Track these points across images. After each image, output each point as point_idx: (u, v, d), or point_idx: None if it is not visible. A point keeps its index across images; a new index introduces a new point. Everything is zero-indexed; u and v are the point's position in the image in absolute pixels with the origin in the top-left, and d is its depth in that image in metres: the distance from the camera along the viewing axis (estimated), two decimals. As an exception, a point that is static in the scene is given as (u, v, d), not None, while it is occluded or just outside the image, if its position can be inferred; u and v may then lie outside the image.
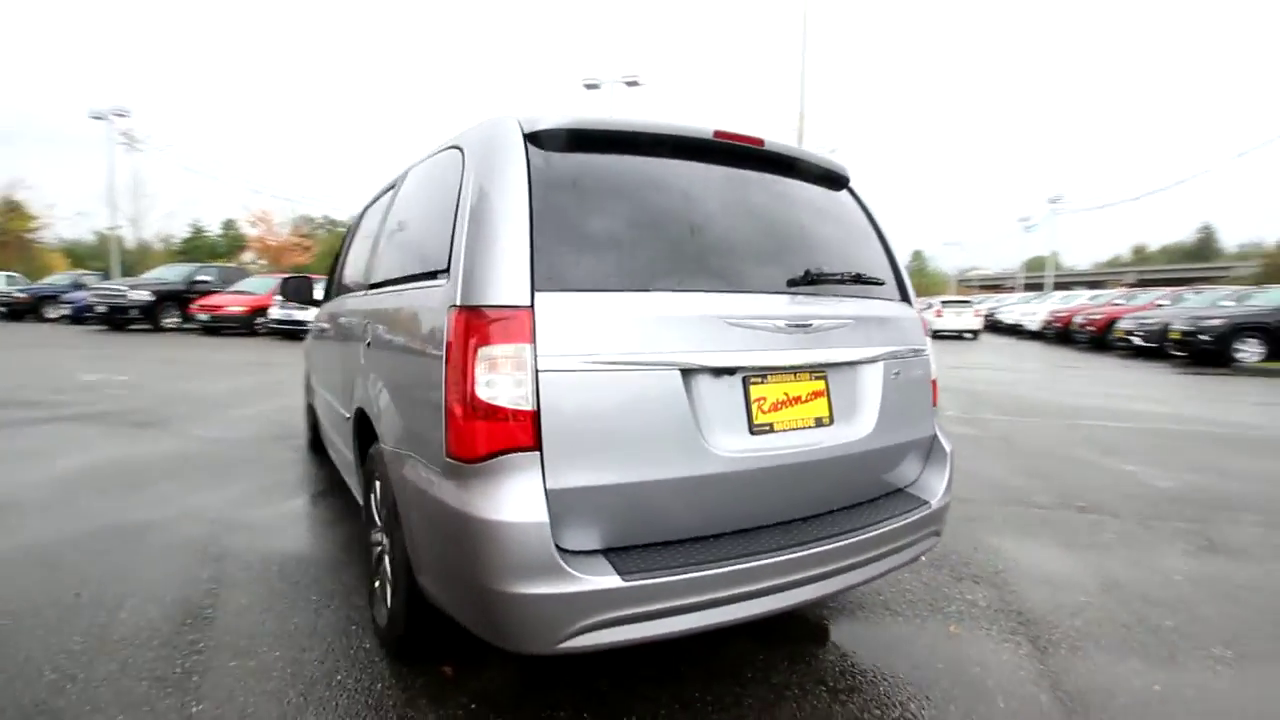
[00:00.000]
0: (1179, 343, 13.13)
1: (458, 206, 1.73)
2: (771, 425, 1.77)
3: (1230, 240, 76.86)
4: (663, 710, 1.86)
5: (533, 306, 1.54)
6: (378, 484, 2.19)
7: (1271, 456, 5.14)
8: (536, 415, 1.50)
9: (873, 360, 2.02)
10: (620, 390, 1.58)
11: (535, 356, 1.51)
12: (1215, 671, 2.12)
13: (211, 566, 2.73)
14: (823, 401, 1.89)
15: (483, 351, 1.51)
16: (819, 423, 1.87)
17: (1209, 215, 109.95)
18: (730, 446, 1.69)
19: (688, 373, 1.66)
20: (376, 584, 2.25)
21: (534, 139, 1.72)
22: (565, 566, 1.46)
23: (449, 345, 1.56)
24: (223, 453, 4.58)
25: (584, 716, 1.83)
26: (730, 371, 1.73)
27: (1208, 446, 5.46)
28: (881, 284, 2.17)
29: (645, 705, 1.88)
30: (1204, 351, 12.64)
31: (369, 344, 2.20)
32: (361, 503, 2.53)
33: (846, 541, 1.77)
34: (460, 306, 1.56)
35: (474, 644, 2.11)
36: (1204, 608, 2.56)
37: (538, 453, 1.50)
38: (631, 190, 1.81)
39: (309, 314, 4.77)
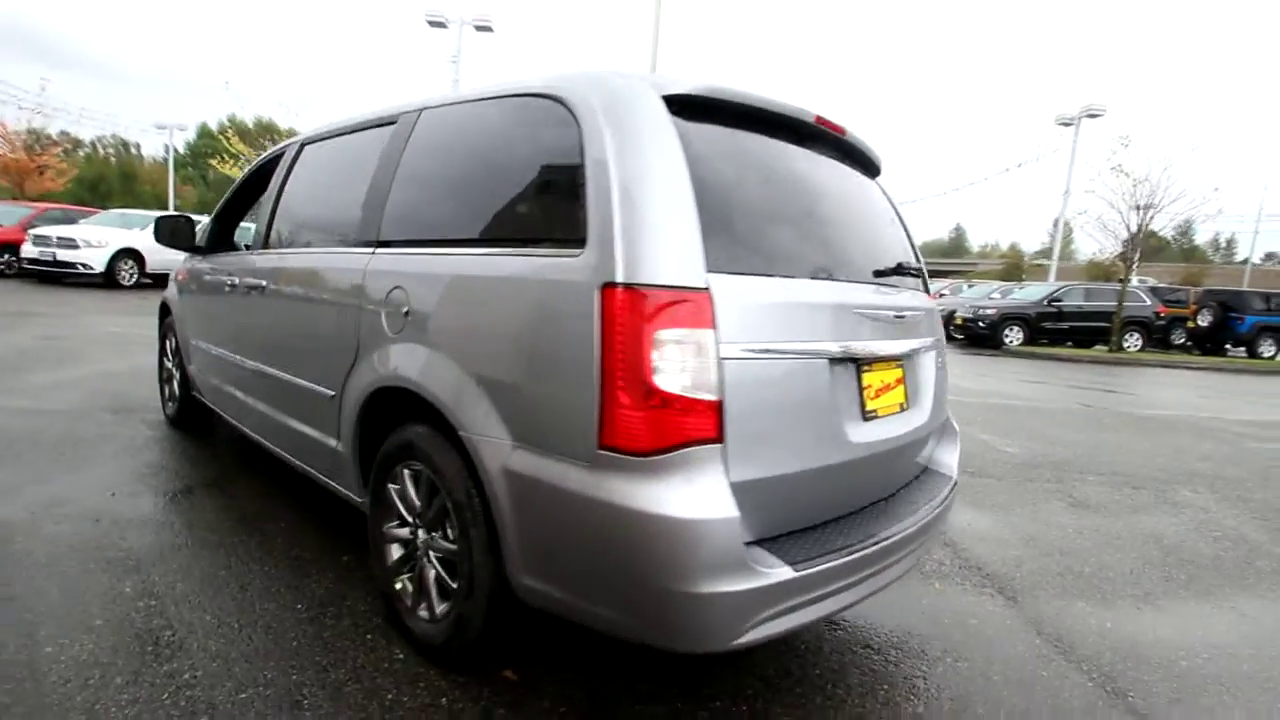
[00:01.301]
0: (960, 328, 15.56)
1: (583, 169, 1.53)
2: (876, 412, 1.83)
3: (975, 240, 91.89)
4: (749, 691, 1.87)
5: (709, 289, 1.42)
6: (407, 474, 1.92)
7: (1075, 426, 6.32)
8: (720, 405, 1.40)
9: (930, 349, 2.16)
10: (779, 379, 1.53)
11: (717, 343, 1.41)
12: (1139, 609, 2.61)
13: (133, 579, 2.20)
14: (902, 389, 1.98)
15: (661, 335, 1.37)
16: (901, 408, 1.96)
17: (961, 217, 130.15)
18: (856, 433, 1.72)
19: (831, 361, 1.65)
20: (401, 586, 1.97)
21: (670, 103, 1.58)
22: (751, 562, 1.40)
23: (610, 327, 1.39)
24: (49, 429, 3.65)
25: (677, 706, 1.79)
26: (851, 360, 1.75)
27: (1025, 417, 6.57)
28: (921, 275, 2.32)
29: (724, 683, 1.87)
30: (980, 336, 15.13)
31: (406, 312, 1.87)
32: (359, 497, 2.19)
33: (931, 516, 1.90)
34: (625, 285, 1.39)
35: (538, 646, 1.96)
36: (1103, 555, 3.11)
37: (721, 445, 1.41)
38: (759, 169, 1.73)
39: (177, 260, 3.91)
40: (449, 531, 1.81)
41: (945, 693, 1.97)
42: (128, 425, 3.91)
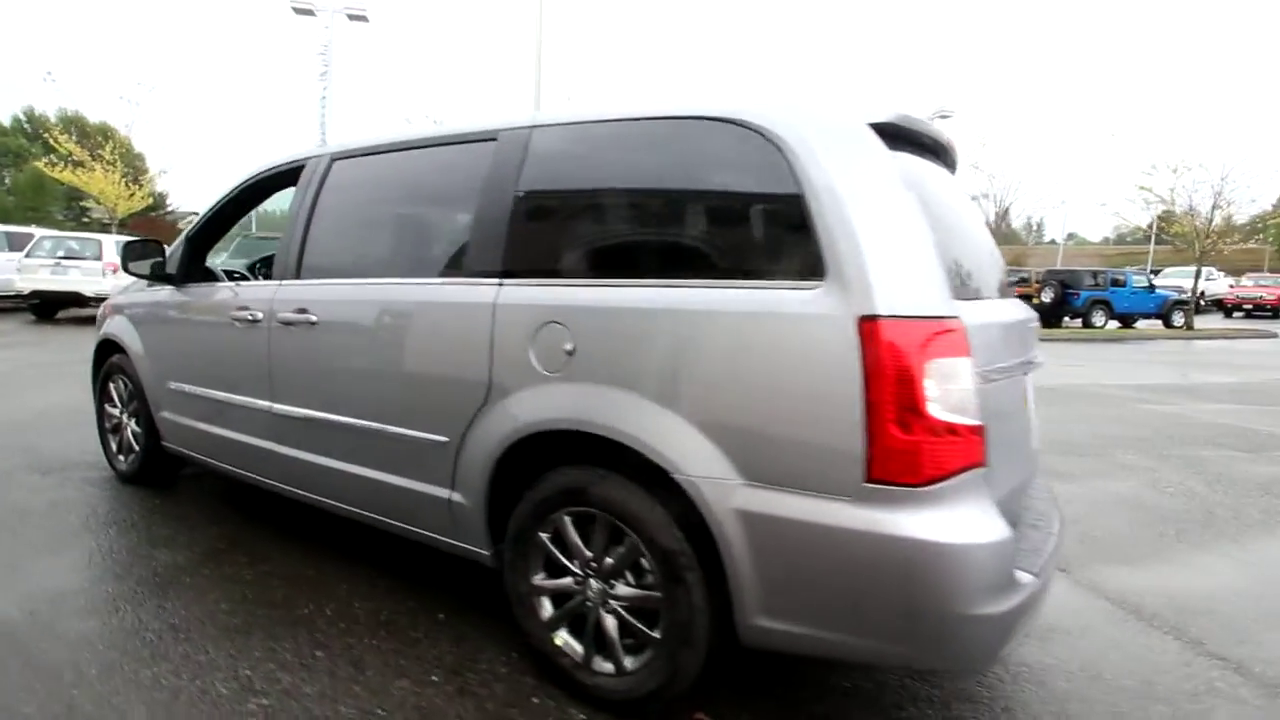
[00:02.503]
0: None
1: (804, 199, 1.51)
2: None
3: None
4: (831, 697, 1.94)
5: (959, 315, 1.45)
6: (569, 521, 1.79)
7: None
8: (983, 430, 1.44)
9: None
10: (1003, 398, 1.60)
11: (973, 368, 1.44)
12: (1160, 566, 2.96)
13: (221, 680, 1.88)
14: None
15: (932, 366, 1.38)
16: None
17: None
18: (1035, 442, 1.82)
19: (1020, 376, 1.73)
20: (562, 641, 1.85)
21: (874, 131, 1.59)
22: (1018, 577, 1.45)
23: (877, 359, 1.38)
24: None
25: (876, 725, 1.81)
26: (1023, 374, 1.85)
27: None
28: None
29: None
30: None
31: (570, 350, 1.73)
32: (483, 550, 2.01)
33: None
34: (892, 316, 1.39)
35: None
36: (1101, 520, 3.49)
37: (985, 469, 1.44)
38: (929, 192, 1.77)
39: (139, 292, 3.33)
40: (642, 579, 1.72)
41: (1074, 664, 2.14)
42: (69, 487, 3.31)
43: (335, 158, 2.50)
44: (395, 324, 2.15)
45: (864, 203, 1.49)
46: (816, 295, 1.47)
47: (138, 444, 3.35)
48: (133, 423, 3.39)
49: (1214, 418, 6.26)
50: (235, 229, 4.47)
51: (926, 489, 1.39)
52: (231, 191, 2.91)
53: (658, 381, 1.63)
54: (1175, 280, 20.96)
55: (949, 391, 1.40)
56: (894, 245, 1.47)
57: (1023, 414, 1.76)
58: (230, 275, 3.20)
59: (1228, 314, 23.85)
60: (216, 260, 3.45)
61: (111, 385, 3.48)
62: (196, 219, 3.06)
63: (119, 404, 3.46)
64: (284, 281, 2.50)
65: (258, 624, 2.16)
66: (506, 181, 1.98)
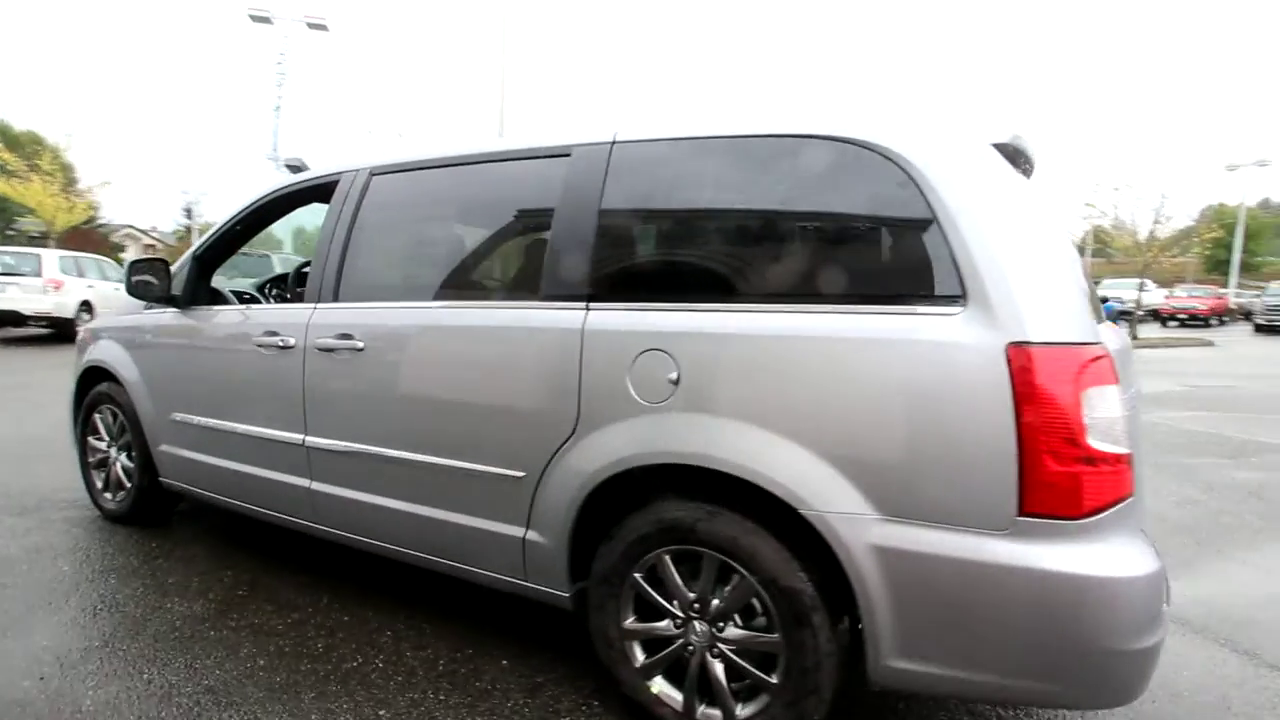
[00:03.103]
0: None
1: (938, 222, 1.46)
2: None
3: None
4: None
5: (1103, 340, 1.42)
6: (669, 560, 1.69)
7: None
8: (1131, 459, 1.40)
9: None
10: (1135, 424, 1.57)
11: (1120, 395, 1.40)
12: (1195, 577, 3.02)
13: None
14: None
15: (1089, 394, 1.34)
16: None
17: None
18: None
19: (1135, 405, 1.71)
20: (659, 690, 1.74)
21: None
22: (1166, 608, 1.41)
23: (1031, 388, 1.33)
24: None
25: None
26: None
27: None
28: None
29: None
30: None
31: (675, 379, 1.63)
32: (562, 592, 1.88)
33: None
34: (1047, 344, 1.35)
35: None
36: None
37: (1134, 498, 1.41)
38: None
39: (147, 316, 3.04)
40: (753, 620, 1.62)
41: (1153, 683, 2.13)
42: (52, 529, 3.01)
43: (375, 172, 2.34)
44: (462, 351, 2.00)
45: (1005, 224, 1.45)
46: (959, 321, 1.41)
47: (129, 480, 3.07)
48: (123, 457, 3.11)
49: (1185, 424, 6.52)
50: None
51: (1084, 521, 1.34)
52: (247, 207, 2.71)
53: (780, 412, 1.54)
54: (1115, 291, 21.97)
55: (1102, 420, 1.36)
56: (1039, 268, 1.43)
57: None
58: (239, 297, 2.99)
59: (1163, 323, 25.18)
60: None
61: (97, 416, 3.19)
62: (206, 236, 2.84)
63: (106, 437, 3.17)
64: (320, 304, 2.32)
65: (305, 682, 1.96)
66: (587, 199, 1.87)
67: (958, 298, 1.43)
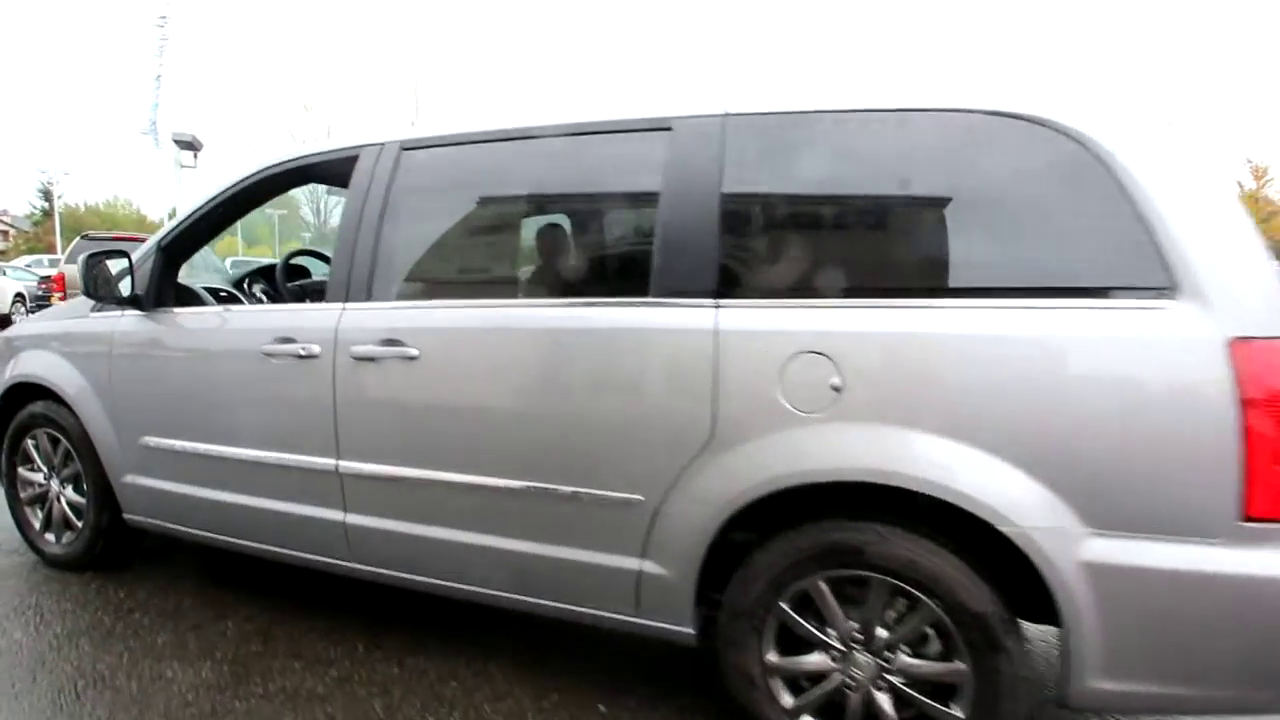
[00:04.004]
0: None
1: (1134, 201, 1.34)
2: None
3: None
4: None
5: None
6: (824, 588, 1.52)
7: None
8: None
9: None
10: None
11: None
12: None
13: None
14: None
15: (1323, 391, 1.25)
16: None
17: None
18: None
19: None
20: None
21: None
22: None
23: (1261, 385, 1.24)
24: None
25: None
26: None
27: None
28: None
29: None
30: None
31: (836, 385, 1.43)
32: (686, 628, 1.66)
33: None
34: (1275, 338, 1.25)
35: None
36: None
37: None
38: None
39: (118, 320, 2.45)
40: (927, 647, 1.47)
41: None
42: (-19, 583, 2.47)
43: (406, 147, 1.98)
44: (551, 358, 1.72)
45: (1208, 207, 1.35)
46: (1169, 315, 1.30)
47: (79, 518, 2.56)
48: (68, 490, 2.59)
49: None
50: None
51: (1315, 526, 1.26)
52: (230, 188, 2.25)
53: (969, 420, 1.38)
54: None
55: None
56: (1249, 254, 1.33)
57: None
58: (214, 296, 2.53)
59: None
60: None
61: (30, 442, 2.63)
62: (172, 223, 2.36)
63: (44, 467, 2.63)
64: (351, 304, 1.95)
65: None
66: (703, 181, 1.62)
67: (1165, 289, 1.31)
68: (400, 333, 1.85)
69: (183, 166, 14.94)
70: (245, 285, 2.87)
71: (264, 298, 2.89)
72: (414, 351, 1.82)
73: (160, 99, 17.83)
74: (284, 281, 2.69)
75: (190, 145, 14.36)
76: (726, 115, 1.66)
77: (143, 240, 9.81)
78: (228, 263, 11.52)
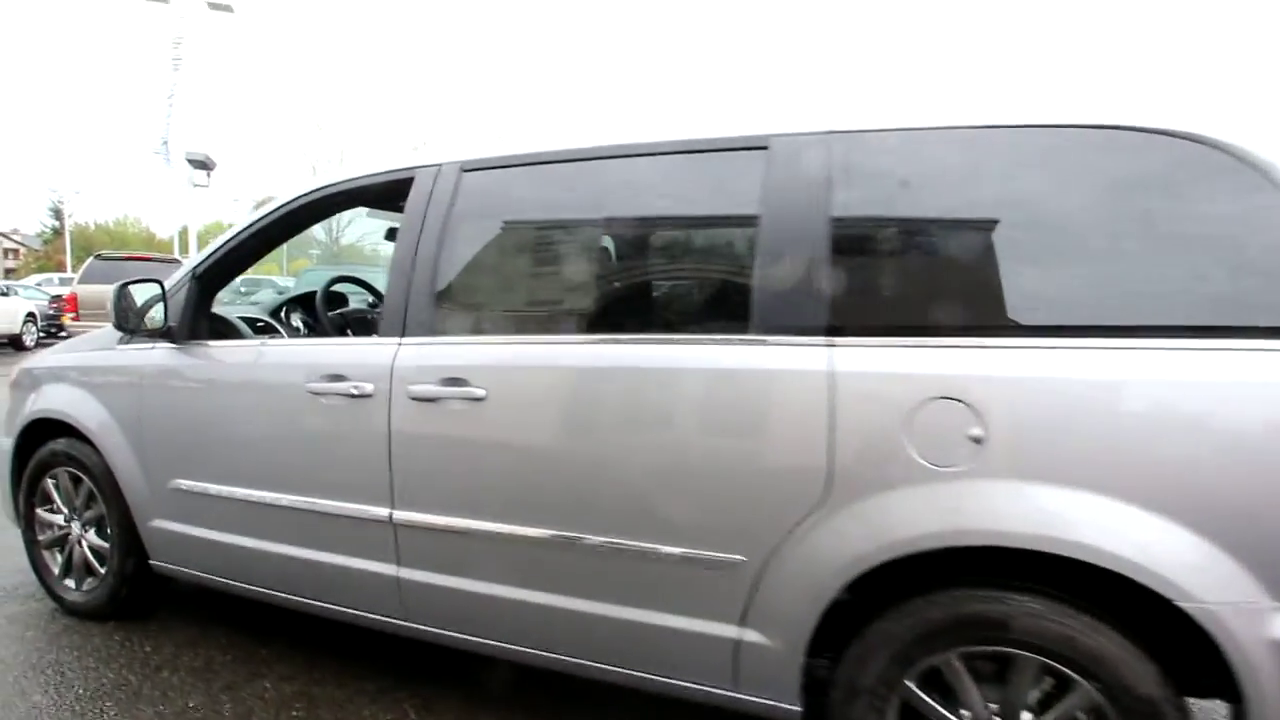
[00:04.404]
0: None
1: None
2: None
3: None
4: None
5: None
6: (959, 667, 1.34)
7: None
8: None
9: None
10: None
11: None
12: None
13: None
14: None
15: None
16: None
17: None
18: None
19: None
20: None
21: None
22: None
23: None
24: None
25: None
26: None
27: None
28: None
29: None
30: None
31: (976, 436, 1.26)
32: (789, 705, 1.47)
33: None
34: None
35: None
36: None
37: None
38: None
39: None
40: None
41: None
42: (16, 629, 2.29)
43: (467, 168, 1.83)
44: (636, 401, 1.55)
45: None
46: None
47: (103, 564, 2.39)
48: (90, 534, 2.42)
49: None
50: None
51: None
52: (270, 214, 2.11)
53: (1144, 480, 1.20)
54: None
55: None
56: None
57: None
58: (251, 326, 2.38)
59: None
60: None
61: (50, 482, 2.47)
62: (208, 250, 2.21)
63: (65, 508, 2.46)
64: (408, 339, 1.79)
65: None
66: (809, 205, 1.46)
67: None
68: (465, 371, 1.68)
69: (196, 186, 14.95)
70: (283, 314, 2.72)
71: (303, 328, 2.74)
72: (480, 392, 1.66)
73: (172, 118, 17.83)
74: (325, 311, 2.54)
75: (203, 164, 14.34)
76: (830, 133, 1.51)
77: (157, 260, 9.71)
78: (237, 281, 11.48)
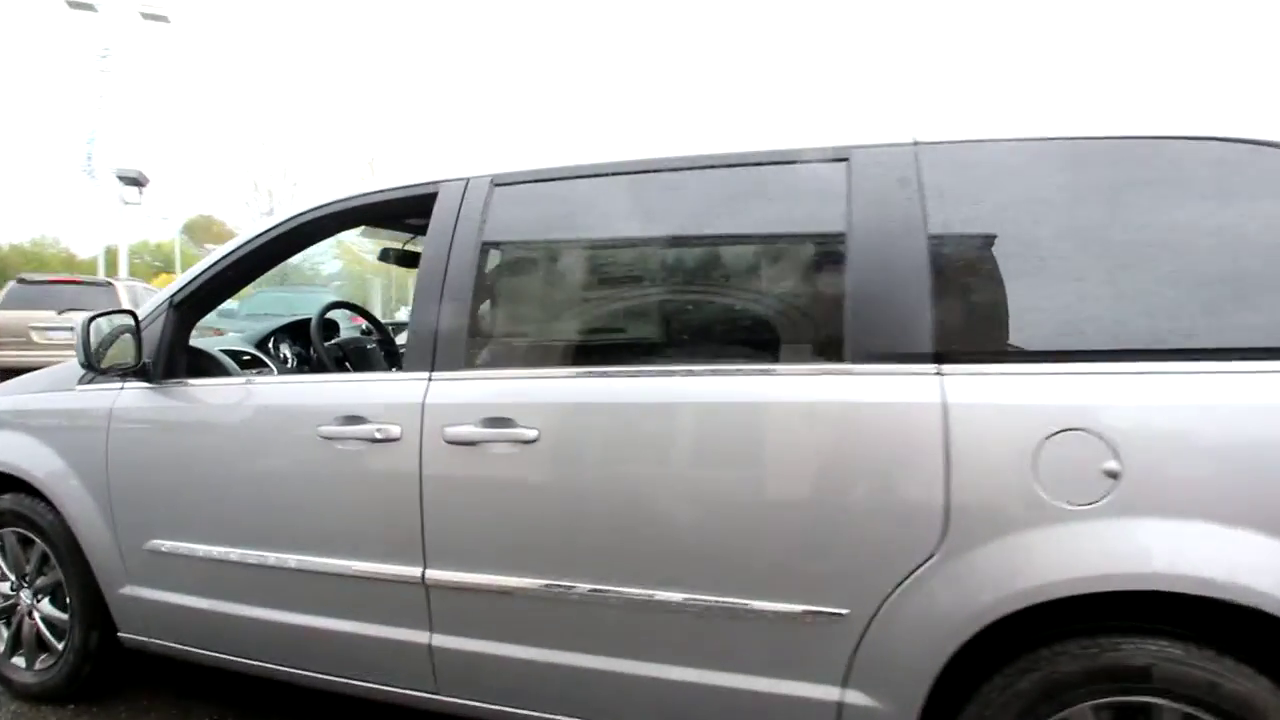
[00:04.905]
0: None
1: None
2: None
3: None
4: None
5: None
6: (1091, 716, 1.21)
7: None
8: None
9: None
10: None
11: None
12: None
13: None
14: None
15: None
16: None
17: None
18: None
19: None
20: None
21: None
22: None
23: None
24: None
25: None
26: None
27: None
28: None
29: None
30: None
31: (1112, 471, 1.15)
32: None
33: None
34: None
35: None
36: None
37: None
38: None
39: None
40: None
41: None
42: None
43: (500, 182, 1.65)
44: (716, 440, 1.38)
45: None
46: None
47: (60, 638, 2.07)
48: (45, 604, 2.10)
49: None
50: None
51: None
52: (260, 236, 1.86)
53: None
54: None
55: None
56: None
57: None
58: (236, 359, 2.12)
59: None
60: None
61: (-6, 548, 2.14)
62: (188, 275, 1.94)
63: (11, 575, 2.13)
64: (439, 374, 1.58)
65: None
66: (904, 221, 1.34)
67: None
68: (511, 409, 1.49)
69: (127, 203, 14.04)
70: (270, 346, 2.44)
71: (293, 360, 2.47)
72: (530, 433, 1.47)
73: (100, 133, 16.79)
74: (321, 342, 2.29)
75: (135, 181, 13.47)
76: (917, 144, 1.40)
77: (88, 284, 8.90)
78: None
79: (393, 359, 2.68)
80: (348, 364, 2.43)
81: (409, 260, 2.64)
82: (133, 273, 17.78)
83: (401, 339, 2.83)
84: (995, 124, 1.38)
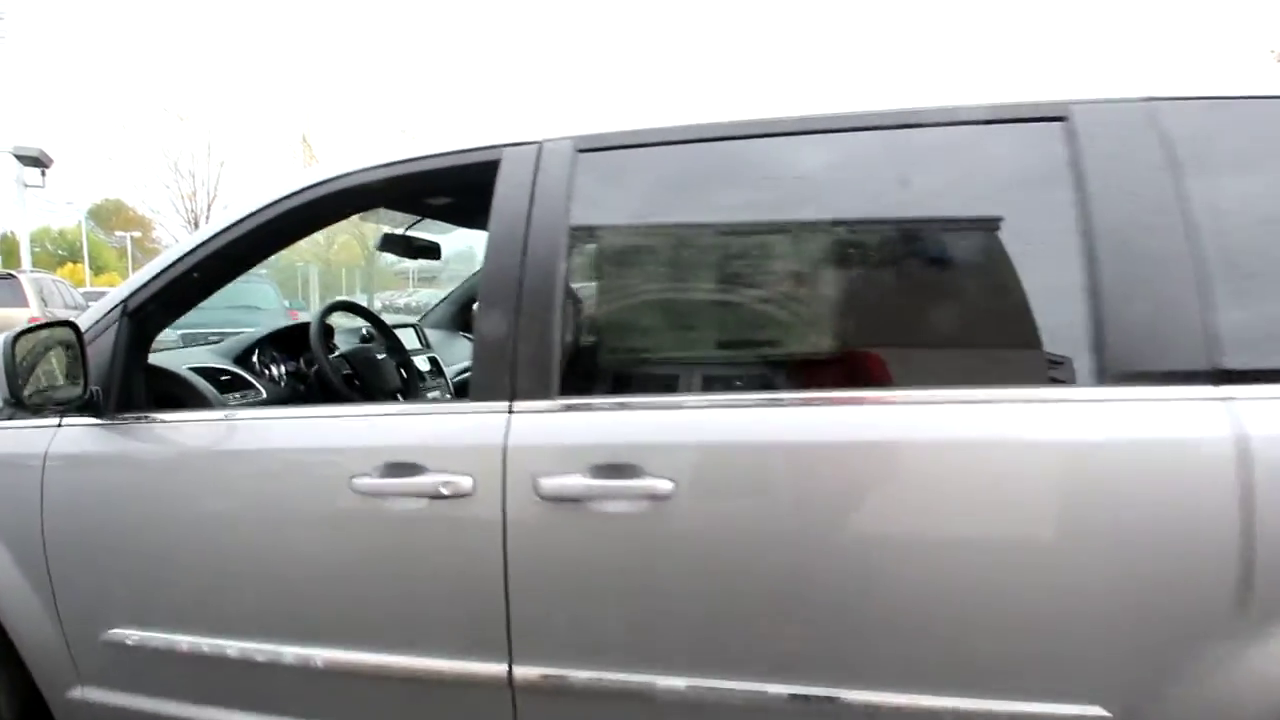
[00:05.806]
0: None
1: None
2: None
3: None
4: None
5: None
6: None
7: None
8: None
9: None
10: None
11: None
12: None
13: None
14: None
15: None
16: None
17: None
18: None
19: None
20: None
21: None
22: None
23: None
24: None
25: None
26: None
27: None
28: None
29: None
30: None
31: None
32: None
33: None
34: None
35: None
36: None
37: None
38: None
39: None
40: None
41: None
42: None
43: (584, 148, 1.24)
44: (929, 491, 1.04)
45: None
46: None
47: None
48: (-44, 713, 1.59)
49: None
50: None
51: None
52: (246, 218, 1.37)
53: None
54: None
55: None
56: None
57: None
58: (214, 381, 1.64)
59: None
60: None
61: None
62: (147, 272, 1.45)
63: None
64: (523, 404, 1.18)
65: None
66: (1147, 195, 1.02)
67: None
68: (635, 452, 1.10)
69: (27, 186, 12.57)
70: (256, 362, 1.93)
71: (287, 379, 1.97)
72: (664, 485, 1.08)
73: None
74: (324, 355, 1.81)
75: (38, 161, 12.02)
76: (1153, 99, 1.08)
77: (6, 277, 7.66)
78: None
79: (408, 372, 2.22)
80: (358, 382, 1.96)
81: (421, 251, 2.19)
82: (35, 263, 16.10)
83: (403, 338, 2.39)
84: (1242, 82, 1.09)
